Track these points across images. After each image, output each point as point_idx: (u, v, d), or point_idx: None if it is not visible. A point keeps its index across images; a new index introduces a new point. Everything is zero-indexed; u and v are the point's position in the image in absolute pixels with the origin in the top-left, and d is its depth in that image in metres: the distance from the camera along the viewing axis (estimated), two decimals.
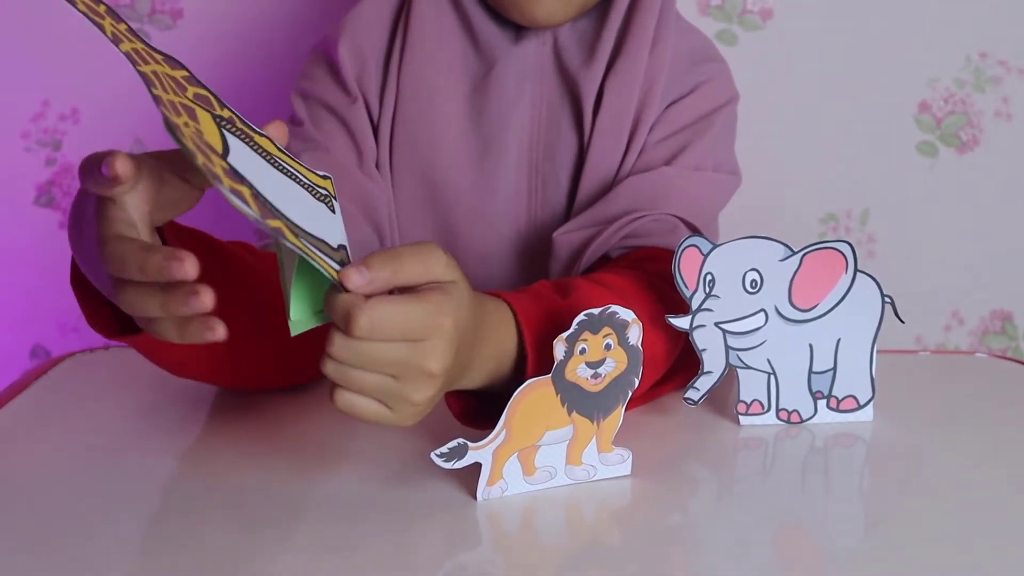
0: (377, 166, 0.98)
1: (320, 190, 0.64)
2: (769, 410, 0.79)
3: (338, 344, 0.60)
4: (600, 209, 0.94)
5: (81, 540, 0.62)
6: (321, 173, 0.66)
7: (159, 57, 0.61)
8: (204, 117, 0.59)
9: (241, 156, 0.58)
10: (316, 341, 0.63)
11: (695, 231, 0.96)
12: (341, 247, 0.61)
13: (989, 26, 1.38)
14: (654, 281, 0.82)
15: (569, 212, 0.99)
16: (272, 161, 0.62)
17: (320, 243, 0.59)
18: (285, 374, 0.84)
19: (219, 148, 0.57)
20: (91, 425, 0.78)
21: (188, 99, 0.59)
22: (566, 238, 0.94)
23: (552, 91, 0.98)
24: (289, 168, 0.63)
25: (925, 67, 1.40)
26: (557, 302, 0.75)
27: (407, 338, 0.61)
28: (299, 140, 0.97)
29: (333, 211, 0.64)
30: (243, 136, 0.61)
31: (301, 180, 0.63)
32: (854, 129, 1.41)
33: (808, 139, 1.41)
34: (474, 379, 0.69)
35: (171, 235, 0.69)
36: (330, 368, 0.61)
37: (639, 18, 0.96)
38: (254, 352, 0.78)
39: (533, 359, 0.69)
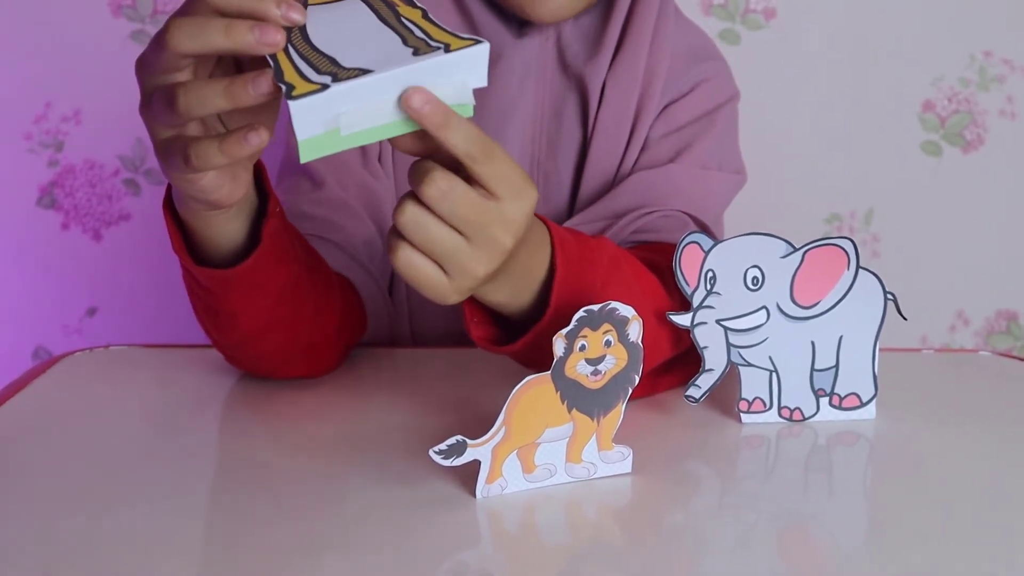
0: (380, 162, 0.98)
1: (429, 43, 0.59)
2: (771, 408, 0.79)
3: (438, 179, 0.61)
4: (607, 204, 0.94)
5: (80, 538, 0.62)
6: (466, 36, 0.59)
7: None
8: None
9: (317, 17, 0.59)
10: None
11: (704, 228, 0.96)
12: (354, 68, 0.57)
13: (993, 24, 1.38)
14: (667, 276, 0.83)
15: (571, 207, 0.99)
16: (379, 14, 0.60)
17: (325, 61, 0.57)
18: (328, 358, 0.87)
19: None
20: (91, 423, 0.78)
21: None
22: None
23: (555, 86, 0.98)
24: (397, 21, 0.60)
25: (929, 66, 1.39)
26: (592, 242, 0.75)
27: (497, 194, 0.62)
28: None
29: (416, 55, 0.58)
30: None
31: (401, 31, 0.60)
32: (858, 129, 1.41)
33: (811, 139, 1.41)
34: (500, 288, 0.70)
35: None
36: (408, 213, 0.62)
37: (640, 14, 0.96)
38: (320, 327, 0.83)
39: (559, 289, 0.70)
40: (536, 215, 0.72)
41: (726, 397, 0.81)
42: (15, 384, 0.85)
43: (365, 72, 0.56)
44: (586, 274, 0.73)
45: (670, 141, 0.98)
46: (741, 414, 0.79)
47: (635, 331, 0.66)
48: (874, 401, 0.80)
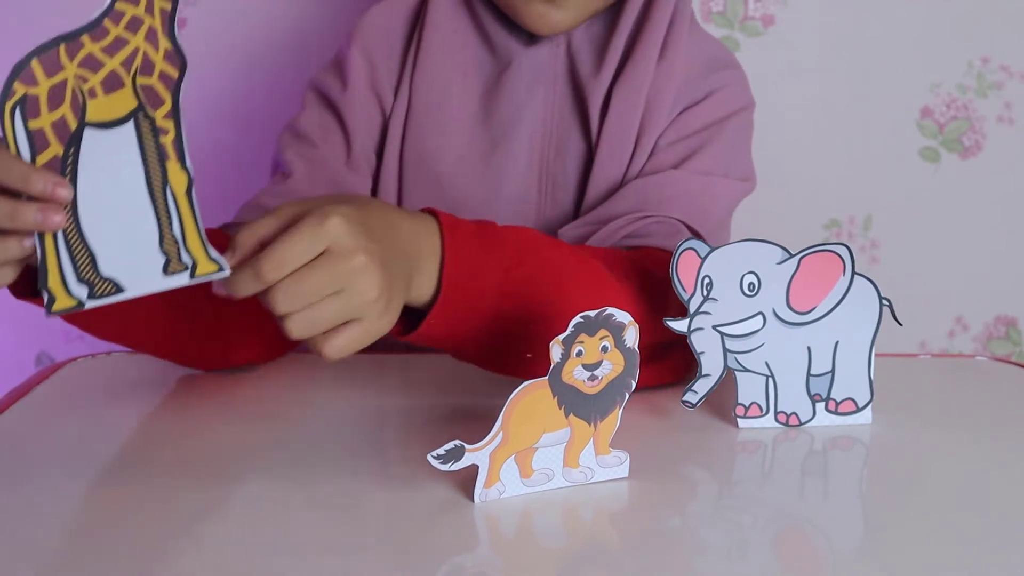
0: (381, 161, 1.01)
1: (181, 254, 0.64)
2: (767, 413, 0.79)
3: (280, 298, 0.64)
4: (604, 209, 0.95)
5: (82, 542, 0.62)
6: (213, 255, 0.64)
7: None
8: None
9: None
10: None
11: (697, 236, 0.96)
12: (109, 280, 0.62)
13: (991, 31, 1.39)
14: (642, 267, 0.84)
15: (578, 212, 1.00)
16: (148, 170, 0.63)
17: (85, 259, 0.62)
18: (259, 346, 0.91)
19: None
20: (93, 429, 0.79)
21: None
22: (569, 233, 0.95)
23: (563, 94, 1.00)
24: (162, 192, 0.63)
25: (927, 72, 1.40)
26: (504, 231, 0.78)
27: (314, 251, 0.64)
28: (291, 134, 1.01)
29: (165, 271, 0.63)
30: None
31: (162, 215, 0.63)
32: (856, 135, 1.41)
33: (810, 145, 1.41)
34: (423, 284, 0.73)
35: None
36: (296, 324, 0.65)
37: (650, 25, 0.98)
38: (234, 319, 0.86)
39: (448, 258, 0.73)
40: (430, 210, 0.75)
41: (722, 402, 0.81)
42: (18, 390, 0.85)
43: (118, 289, 0.62)
44: (486, 256, 0.75)
45: (677, 148, 0.99)
46: (738, 419, 0.79)
47: (631, 337, 0.67)
48: (870, 406, 0.80)
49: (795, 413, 0.79)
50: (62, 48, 0.59)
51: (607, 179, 0.98)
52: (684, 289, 0.76)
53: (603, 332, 0.65)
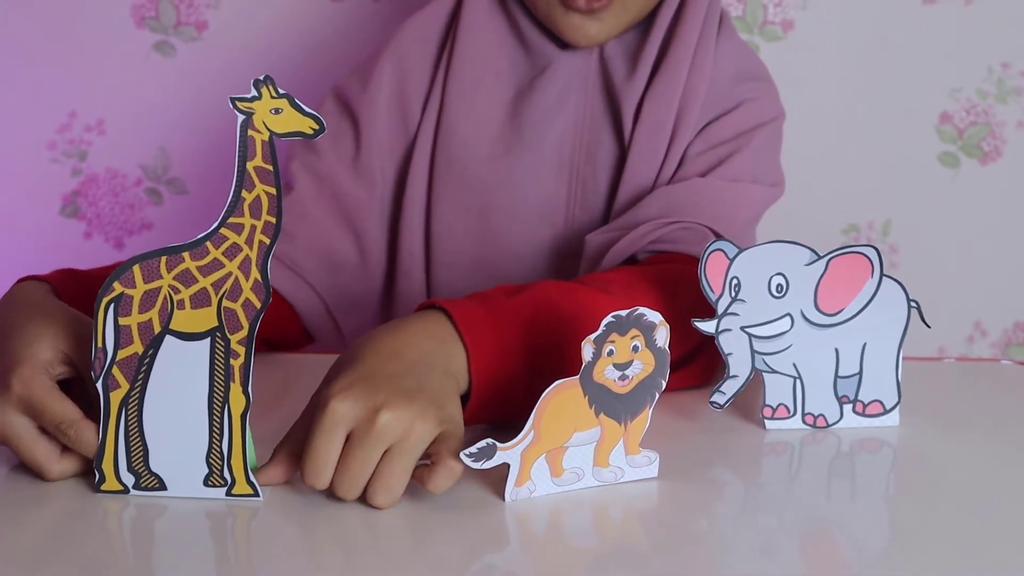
0: (408, 166, 1.01)
1: (223, 470, 0.66)
2: (795, 414, 0.79)
3: (344, 493, 0.65)
4: (631, 214, 0.96)
5: (95, 541, 0.62)
6: (251, 479, 0.67)
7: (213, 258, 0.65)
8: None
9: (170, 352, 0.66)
10: None
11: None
12: (155, 476, 0.67)
13: (1011, 36, 1.39)
14: (667, 280, 0.84)
15: (607, 216, 1.00)
16: (213, 386, 0.66)
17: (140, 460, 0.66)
18: None
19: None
20: None
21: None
22: (596, 239, 0.95)
23: (595, 100, 1.01)
24: (222, 405, 0.66)
25: (947, 78, 1.40)
26: (505, 298, 0.77)
27: (338, 442, 0.65)
28: (301, 141, 1.01)
29: (205, 482, 0.67)
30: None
31: (215, 430, 0.66)
32: (876, 140, 1.41)
33: (829, 150, 1.41)
34: (460, 369, 0.71)
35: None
36: (376, 499, 0.65)
37: (681, 33, 0.98)
38: None
39: (474, 358, 0.72)
40: (428, 303, 0.75)
41: (750, 403, 0.81)
42: None
43: (161, 486, 0.67)
44: (503, 328, 0.74)
45: (706, 157, 0.99)
46: (765, 420, 0.79)
47: (662, 337, 0.67)
48: (897, 408, 0.80)
49: (822, 415, 0.79)
50: (163, 260, 0.64)
51: (638, 184, 0.99)
52: (712, 290, 0.76)
53: (634, 331, 0.66)
